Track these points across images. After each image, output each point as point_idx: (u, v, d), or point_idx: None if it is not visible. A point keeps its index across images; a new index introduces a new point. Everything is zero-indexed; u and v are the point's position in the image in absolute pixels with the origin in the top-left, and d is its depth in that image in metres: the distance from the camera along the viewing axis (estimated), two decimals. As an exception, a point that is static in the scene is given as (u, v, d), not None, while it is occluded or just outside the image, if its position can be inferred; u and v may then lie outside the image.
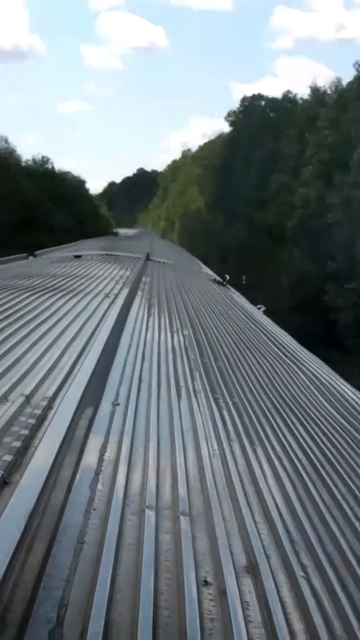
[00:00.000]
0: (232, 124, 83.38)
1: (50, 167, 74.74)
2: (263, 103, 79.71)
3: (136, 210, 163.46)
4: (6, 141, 67.06)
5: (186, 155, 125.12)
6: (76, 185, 77.51)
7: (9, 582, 2.27)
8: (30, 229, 52.49)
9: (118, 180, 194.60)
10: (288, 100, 75.39)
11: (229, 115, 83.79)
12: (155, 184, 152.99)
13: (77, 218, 65.91)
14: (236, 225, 71.59)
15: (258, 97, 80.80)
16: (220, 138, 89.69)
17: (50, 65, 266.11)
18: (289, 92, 76.68)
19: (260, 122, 74.28)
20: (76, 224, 62.99)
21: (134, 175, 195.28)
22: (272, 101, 78.26)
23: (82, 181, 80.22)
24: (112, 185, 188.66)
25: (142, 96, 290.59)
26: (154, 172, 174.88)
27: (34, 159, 74.91)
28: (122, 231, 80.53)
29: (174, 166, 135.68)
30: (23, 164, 70.46)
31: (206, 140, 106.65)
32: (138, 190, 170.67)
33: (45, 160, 75.89)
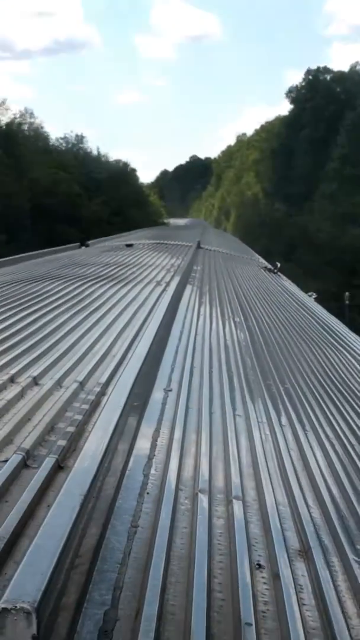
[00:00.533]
0: (293, 100, 78.92)
1: (87, 148, 71.15)
2: (328, 77, 74.54)
3: (189, 199, 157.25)
4: (31, 115, 64.13)
5: (241, 140, 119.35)
6: (118, 170, 73.12)
7: (64, 565, 2.30)
8: (48, 220, 50.59)
9: (171, 168, 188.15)
10: (357, 73, 70.20)
11: (289, 91, 79.33)
12: (208, 171, 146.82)
13: (117, 207, 62.26)
14: (301, 213, 65.00)
15: (324, 71, 75.61)
16: (278, 120, 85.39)
17: (106, 56, 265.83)
18: (358, 63, 71.39)
19: (327, 96, 69.10)
20: (113, 215, 59.77)
21: (187, 163, 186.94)
22: (339, 75, 72.76)
23: (125, 164, 76.50)
24: (164, 173, 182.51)
25: (196, 85, 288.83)
26: (208, 159, 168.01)
27: (65, 138, 70.39)
28: (173, 221, 77.11)
29: (229, 152, 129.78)
30: (52, 143, 67.30)
31: (263, 122, 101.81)
32: (191, 178, 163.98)
33: (79, 139, 71.34)
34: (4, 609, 1.93)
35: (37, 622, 1.93)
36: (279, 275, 22.52)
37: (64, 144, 71.68)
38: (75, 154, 70.06)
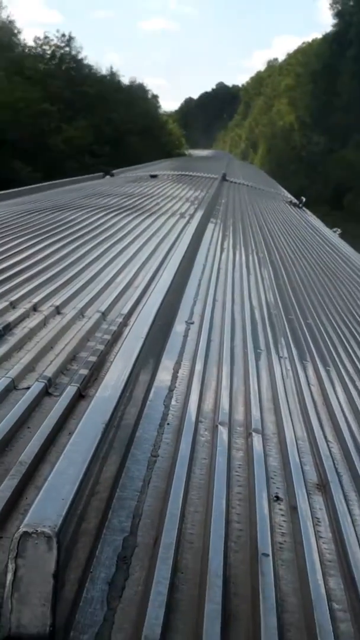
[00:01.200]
0: (338, 14, 68.37)
1: (77, 55, 56.86)
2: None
3: (214, 129, 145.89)
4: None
5: (272, 65, 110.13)
6: (113, 86, 59.72)
7: (85, 491, 2.32)
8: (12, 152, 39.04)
9: (196, 96, 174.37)
10: None
11: (334, 2, 68.89)
12: (236, 100, 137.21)
13: (110, 135, 50.54)
14: (345, 148, 55.02)
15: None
16: (316, 42, 77.56)
17: None
18: None
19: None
20: (106, 143, 48.62)
21: (213, 90, 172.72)
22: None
23: (141, 86, 67.49)
24: (188, 102, 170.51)
25: (225, 13, 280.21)
26: (235, 87, 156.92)
27: (46, 39, 55.15)
28: (197, 153, 69.69)
29: (258, 78, 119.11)
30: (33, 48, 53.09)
31: (300, 43, 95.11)
32: (217, 107, 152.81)
33: (67, 40, 56.29)
34: (25, 533, 1.96)
35: (58, 546, 1.95)
36: (303, 210, 22.34)
37: (41, 48, 56.87)
38: (58, 61, 56.47)
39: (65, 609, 2.06)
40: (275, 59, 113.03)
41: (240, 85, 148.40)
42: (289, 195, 27.77)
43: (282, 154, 74.65)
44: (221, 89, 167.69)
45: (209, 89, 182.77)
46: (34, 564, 1.94)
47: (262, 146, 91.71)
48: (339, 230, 22.02)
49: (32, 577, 1.93)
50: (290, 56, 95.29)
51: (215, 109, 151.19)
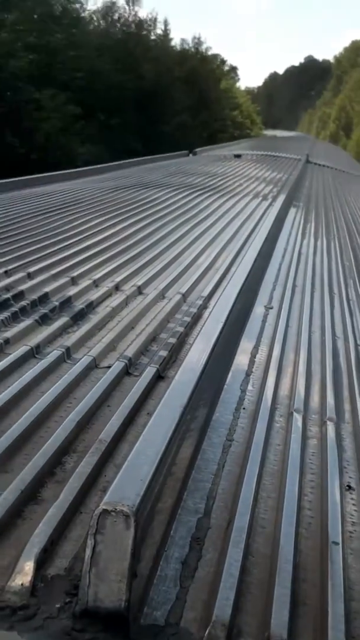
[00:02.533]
0: None
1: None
2: None
3: (300, 107, 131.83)
4: None
5: None
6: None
7: (162, 472, 2.40)
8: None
9: (282, 71, 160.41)
10: None
11: None
12: (326, 75, 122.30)
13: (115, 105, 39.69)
14: None
15: None
16: None
17: None
18: None
19: None
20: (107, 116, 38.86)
21: (301, 64, 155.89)
22: None
23: (199, 42, 58.47)
24: (273, 77, 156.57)
25: None
26: (326, 62, 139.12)
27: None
28: (274, 134, 65.27)
29: (355, 47, 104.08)
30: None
31: None
32: (304, 82, 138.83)
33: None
34: (105, 510, 2.04)
35: (135, 525, 2.03)
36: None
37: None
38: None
39: (140, 585, 2.14)
40: None
41: (331, 59, 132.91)
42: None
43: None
44: (310, 62, 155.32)
45: (296, 62, 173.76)
46: (112, 540, 2.02)
47: (358, 130, 77.92)
48: None
49: (109, 553, 2.01)
50: None
51: (302, 85, 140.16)
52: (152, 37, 52.53)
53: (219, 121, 55.59)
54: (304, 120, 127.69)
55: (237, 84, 76.06)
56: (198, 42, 59.14)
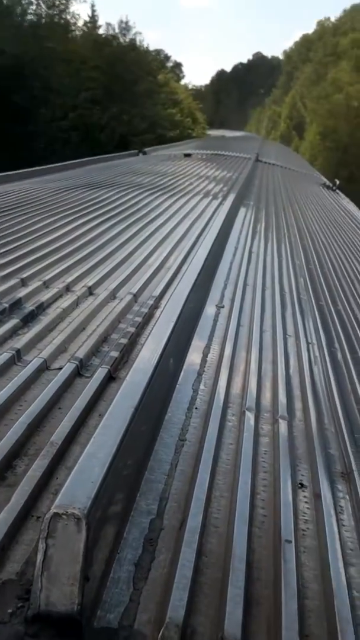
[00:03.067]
0: None
1: None
2: None
3: (249, 106, 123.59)
4: None
5: (324, 25, 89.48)
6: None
7: (114, 474, 2.38)
8: None
9: (230, 68, 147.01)
10: None
11: None
12: (276, 72, 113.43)
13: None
14: None
15: None
16: None
17: None
18: None
19: None
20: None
21: (249, 61, 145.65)
22: None
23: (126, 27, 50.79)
24: (221, 75, 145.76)
25: None
26: (275, 59, 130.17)
27: None
28: (221, 134, 60.04)
29: (305, 42, 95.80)
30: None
31: None
32: (253, 80, 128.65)
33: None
34: (56, 514, 2.02)
35: (87, 527, 2.02)
36: (337, 194, 22.20)
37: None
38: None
39: (93, 588, 2.13)
40: (328, 18, 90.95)
41: (281, 55, 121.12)
42: (323, 178, 27.59)
43: (345, 140, 56.07)
44: (259, 60, 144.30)
45: (244, 59, 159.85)
46: (63, 544, 2.01)
47: (311, 129, 68.45)
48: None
49: (61, 557, 2.00)
50: (348, 13, 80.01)
51: (250, 83, 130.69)
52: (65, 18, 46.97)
53: (146, 118, 47.16)
54: (252, 119, 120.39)
55: (182, 82, 70.55)
56: (125, 26, 51.44)
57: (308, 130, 70.58)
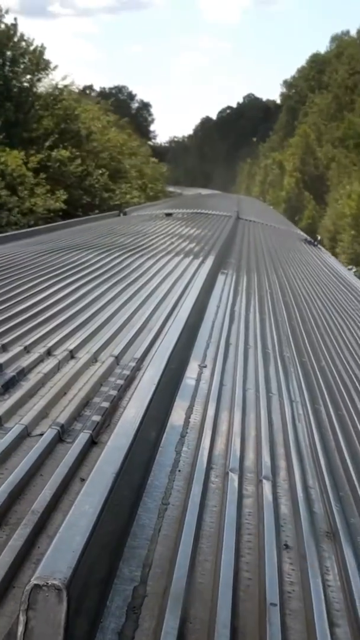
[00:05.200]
0: None
1: None
2: None
3: (238, 158, 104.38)
4: None
5: (343, 40, 73.21)
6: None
7: (96, 542, 2.36)
8: None
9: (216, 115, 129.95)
10: None
11: None
12: (272, 117, 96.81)
13: None
14: None
15: None
16: None
17: (168, 17, 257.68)
18: None
19: None
20: None
21: (240, 105, 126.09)
22: None
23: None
24: (205, 122, 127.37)
25: (258, 51, 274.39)
26: (271, 102, 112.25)
27: None
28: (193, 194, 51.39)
29: (316, 62, 78.43)
30: None
31: None
32: (244, 127, 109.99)
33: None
34: (36, 585, 2.00)
35: (68, 598, 2.00)
36: (319, 248, 22.42)
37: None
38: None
39: (75, 660, 2.10)
40: (347, 32, 74.31)
41: (277, 98, 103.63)
42: (303, 234, 27.86)
43: None
44: (251, 102, 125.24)
45: (233, 103, 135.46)
46: (44, 616, 1.98)
47: (340, 191, 49.03)
48: (354, 268, 22.06)
49: (42, 629, 1.97)
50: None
51: (241, 131, 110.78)
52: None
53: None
54: (242, 174, 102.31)
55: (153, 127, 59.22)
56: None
57: (335, 192, 51.59)
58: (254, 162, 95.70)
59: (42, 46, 39.31)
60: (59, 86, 40.36)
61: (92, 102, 54.05)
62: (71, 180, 36.05)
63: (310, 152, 62.55)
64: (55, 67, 39.67)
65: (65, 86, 40.89)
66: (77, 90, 45.44)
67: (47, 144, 36.10)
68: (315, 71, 78.51)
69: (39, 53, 38.94)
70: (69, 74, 49.60)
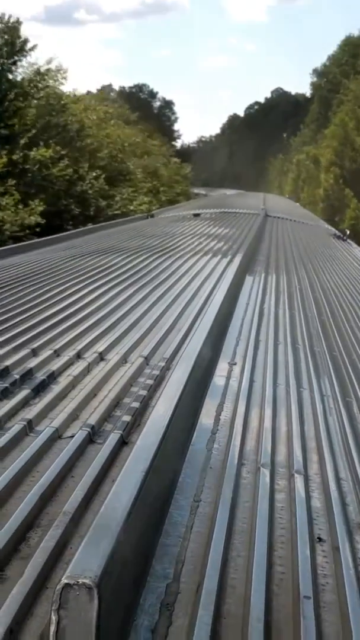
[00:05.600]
0: None
1: None
2: None
3: (269, 155, 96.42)
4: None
5: None
6: None
7: (127, 540, 2.37)
8: None
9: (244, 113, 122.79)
10: None
11: None
12: (302, 111, 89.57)
13: None
14: None
15: None
16: None
17: (194, 19, 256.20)
18: None
19: None
20: None
21: (268, 100, 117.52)
22: None
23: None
24: (233, 120, 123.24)
25: (286, 48, 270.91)
26: (300, 95, 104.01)
27: None
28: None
29: (349, 45, 72.75)
30: None
31: None
32: (273, 123, 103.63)
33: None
34: (67, 585, 2.02)
35: (99, 597, 2.01)
36: (349, 243, 22.28)
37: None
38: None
39: (108, 658, 2.11)
40: None
41: (307, 91, 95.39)
42: (332, 228, 27.72)
43: None
44: (279, 97, 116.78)
45: (261, 98, 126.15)
46: (76, 615, 2.00)
47: None
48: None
49: (74, 628, 1.99)
50: None
51: (271, 127, 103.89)
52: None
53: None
54: (273, 172, 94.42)
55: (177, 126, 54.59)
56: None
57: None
58: (285, 158, 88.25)
59: (17, 21, 32.84)
60: (42, 71, 34.04)
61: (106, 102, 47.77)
62: (57, 187, 30.17)
63: (349, 142, 54.77)
64: (35, 46, 32.68)
65: (49, 70, 34.52)
66: (90, 92, 40.54)
67: (22, 141, 29.46)
68: (349, 55, 72.79)
69: (13, 29, 32.39)
70: (55, 56, 42.69)
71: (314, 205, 52.47)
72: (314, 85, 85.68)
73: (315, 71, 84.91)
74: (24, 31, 34.95)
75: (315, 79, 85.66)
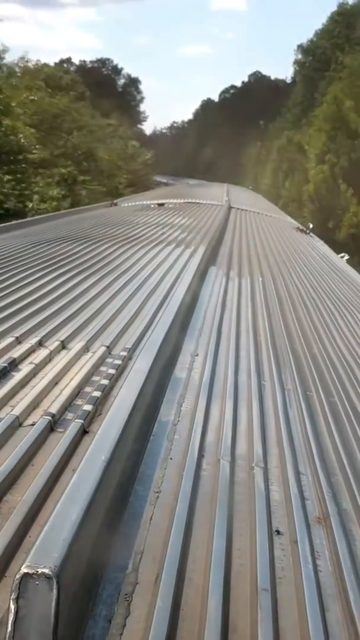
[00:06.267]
0: None
1: None
2: None
3: (244, 144, 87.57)
4: None
5: None
6: None
7: (87, 530, 2.37)
8: None
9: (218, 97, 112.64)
10: None
11: None
12: (280, 96, 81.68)
13: None
14: None
15: None
16: None
17: (173, 6, 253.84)
18: None
19: None
20: None
21: (245, 84, 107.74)
22: None
23: None
24: (206, 105, 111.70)
25: (266, 34, 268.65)
26: (280, 80, 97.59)
27: None
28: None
29: (343, 15, 66.27)
30: None
31: None
32: (250, 108, 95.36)
33: None
34: (26, 574, 2.01)
35: (58, 586, 2.00)
36: (311, 237, 22.41)
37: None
38: None
39: (66, 648, 2.10)
40: None
41: (288, 78, 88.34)
42: (294, 222, 27.86)
43: None
44: (257, 81, 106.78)
45: (237, 82, 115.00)
46: (34, 604, 1.99)
47: None
48: (346, 255, 22.06)
49: (32, 617, 1.98)
50: None
51: (247, 113, 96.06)
52: None
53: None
54: (249, 162, 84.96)
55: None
56: None
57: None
58: (262, 146, 79.25)
59: None
60: None
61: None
62: None
63: (344, 126, 45.22)
64: None
65: None
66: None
67: None
68: (343, 26, 66.07)
69: None
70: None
71: (299, 205, 44.54)
72: (298, 63, 78.19)
73: (300, 47, 77.24)
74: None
75: (300, 56, 78.48)
